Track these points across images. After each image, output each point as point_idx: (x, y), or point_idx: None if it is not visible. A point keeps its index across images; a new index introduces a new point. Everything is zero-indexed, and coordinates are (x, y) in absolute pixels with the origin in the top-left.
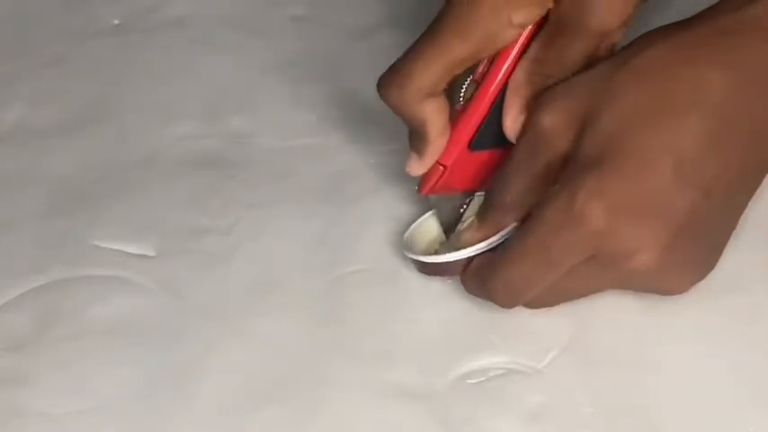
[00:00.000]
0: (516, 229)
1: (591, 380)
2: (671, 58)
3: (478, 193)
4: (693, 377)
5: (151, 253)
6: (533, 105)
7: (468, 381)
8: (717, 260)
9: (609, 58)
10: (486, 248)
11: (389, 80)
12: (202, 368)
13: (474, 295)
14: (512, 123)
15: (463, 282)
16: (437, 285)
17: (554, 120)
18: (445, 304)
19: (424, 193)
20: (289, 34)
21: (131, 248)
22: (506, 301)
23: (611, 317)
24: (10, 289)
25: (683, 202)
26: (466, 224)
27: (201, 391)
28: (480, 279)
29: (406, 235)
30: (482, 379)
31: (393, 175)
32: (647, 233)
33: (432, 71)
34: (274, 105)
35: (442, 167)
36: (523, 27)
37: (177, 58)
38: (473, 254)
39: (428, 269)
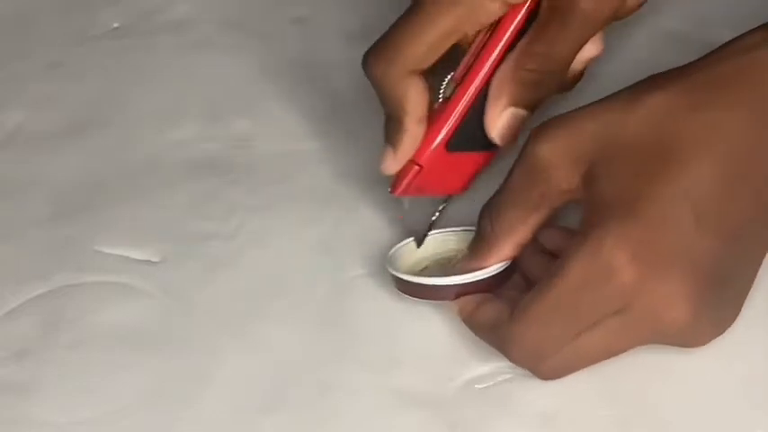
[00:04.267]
0: (508, 267)
1: (599, 383)
2: (682, 102)
3: (459, 229)
4: (704, 379)
5: (155, 258)
6: (531, 134)
7: (477, 386)
8: (741, 306)
9: (612, 96)
10: (472, 280)
11: (375, 54)
12: (208, 374)
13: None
14: (493, 120)
15: (476, 334)
16: None
17: (552, 152)
18: (451, 308)
19: (397, 193)
20: (289, 36)
21: (135, 254)
22: (527, 362)
23: None
24: (14, 296)
25: (708, 249)
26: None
27: (207, 397)
28: (497, 341)
29: (390, 253)
30: (490, 384)
31: None
32: (677, 285)
33: (418, 44)
34: (276, 108)
35: (417, 167)
36: (507, 2)
37: (177, 62)
38: (459, 282)
39: (409, 289)
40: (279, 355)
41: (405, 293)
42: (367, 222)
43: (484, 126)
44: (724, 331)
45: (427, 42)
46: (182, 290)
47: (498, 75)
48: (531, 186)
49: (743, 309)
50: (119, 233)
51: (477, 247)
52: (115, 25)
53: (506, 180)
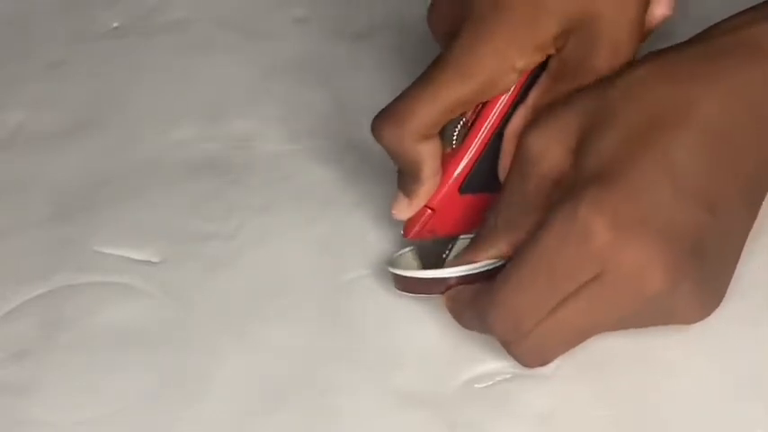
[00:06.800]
0: (505, 263)
1: (598, 383)
2: (659, 78)
3: (463, 236)
4: (703, 378)
5: (155, 259)
6: (523, 131)
7: (476, 385)
8: (725, 288)
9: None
10: (468, 272)
11: (385, 120)
12: (208, 374)
13: (469, 329)
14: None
15: (456, 317)
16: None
17: (542, 144)
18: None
19: (410, 237)
20: (290, 36)
21: (135, 254)
22: (507, 333)
23: None
24: (14, 297)
25: (686, 217)
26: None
27: (207, 397)
28: (477, 311)
29: (393, 256)
30: (489, 383)
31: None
32: (653, 248)
33: (430, 112)
34: (277, 108)
35: (430, 211)
36: (524, 72)
37: (178, 61)
38: (455, 275)
39: (408, 285)
40: (279, 355)
41: (403, 291)
42: (367, 222)
43: (497, 173)
44: (709, 313)
45: (440, 111)
46: (182, 290)
47: (510, 127)
48: (525, 180)
49: (740, 305)
50: (119, 233)
51: (478, 239)
52: (115, 25)
53: (506, 175)
